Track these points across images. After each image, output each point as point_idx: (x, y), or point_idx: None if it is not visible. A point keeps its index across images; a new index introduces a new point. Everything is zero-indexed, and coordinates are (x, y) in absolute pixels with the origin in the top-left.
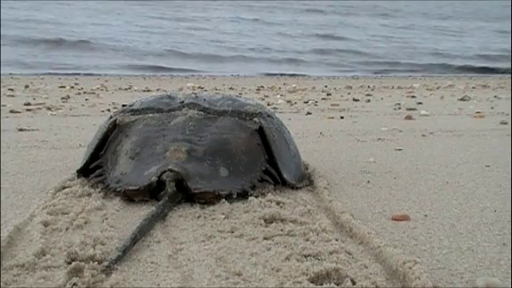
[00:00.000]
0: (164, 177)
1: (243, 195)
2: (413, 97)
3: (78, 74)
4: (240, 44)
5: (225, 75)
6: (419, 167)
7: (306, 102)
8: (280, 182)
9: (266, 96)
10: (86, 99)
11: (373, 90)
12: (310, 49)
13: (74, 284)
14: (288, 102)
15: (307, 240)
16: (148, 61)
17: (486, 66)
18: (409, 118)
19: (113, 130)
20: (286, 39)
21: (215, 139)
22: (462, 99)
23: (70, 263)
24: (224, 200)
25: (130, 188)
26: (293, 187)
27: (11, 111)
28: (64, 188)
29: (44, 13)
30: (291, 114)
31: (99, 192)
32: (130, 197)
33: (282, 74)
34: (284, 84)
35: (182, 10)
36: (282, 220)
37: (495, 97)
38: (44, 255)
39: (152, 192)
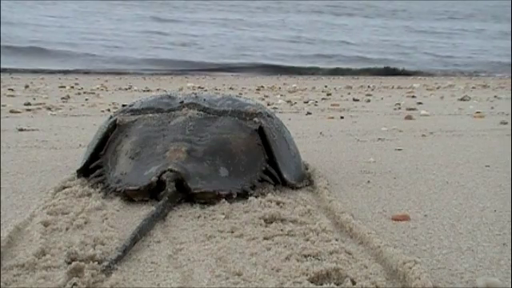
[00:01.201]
0: (164, 177)
1: (243, 195)
2: (413, 97)
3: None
4: (213, 46)
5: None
6: (419, 167)
7: (306, 102)
8: (280, 182)
9: (266, 96)
10: (86, 99)
11: (373, 90)
12: (293, 53)
13: (74, 284)
14: (288, 102)
15: (307, 240)
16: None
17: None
18: (409, 117)
19: (113, 130)
20: (265, 42)
21: (215, 139)
22: (462, 99)
23: (70, 263)
24: (224, 200)
25: (130, 188)
26: (293, 187)
27: (11, 111)
28: (64, 188)
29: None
30: (291, 113)
31: (99, 192)
32: (130, 197)
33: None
34: (284, 84)
35: (171, 11)
36: (282, 220)
37: (495, 97)
38: (44, 255)
39: (152, 192)
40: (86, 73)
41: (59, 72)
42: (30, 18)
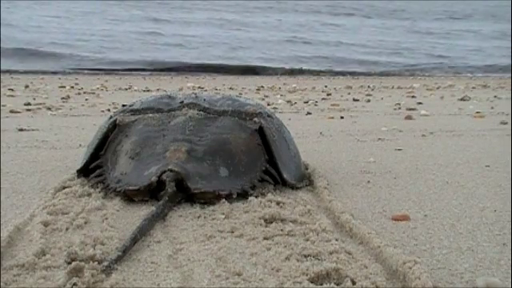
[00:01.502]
0: (164, 177)
1: (243, 195)
2: (413, 97)
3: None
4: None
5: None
6: (419, 167)
7: (306, 102)
8: (280, 182)
9: (266, 96)
10: (86, 99)
11: (373, 90)
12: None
13: (74, 284)
14: (288, 102)
15: (307, 240)
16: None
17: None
18: (409, 117)
19: (113, 130)
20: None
21: (215, 139)
22: (462, 99)
23: (70, 263)
24: (224, 200)
25: (130, 188)
26: (293, 187)
27: (11, 111)
28: (64, 188)
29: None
30: (291, 113)
31: (99, 192)
32: (130, 197)
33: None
34: (284, 84)
35: (168, 11)
36: (282, 220)
37: (495, 97)
38: (44, 255)
39: (152, 192)
40: (80, 73)
41: (52, 73)
42: (26, 18)
